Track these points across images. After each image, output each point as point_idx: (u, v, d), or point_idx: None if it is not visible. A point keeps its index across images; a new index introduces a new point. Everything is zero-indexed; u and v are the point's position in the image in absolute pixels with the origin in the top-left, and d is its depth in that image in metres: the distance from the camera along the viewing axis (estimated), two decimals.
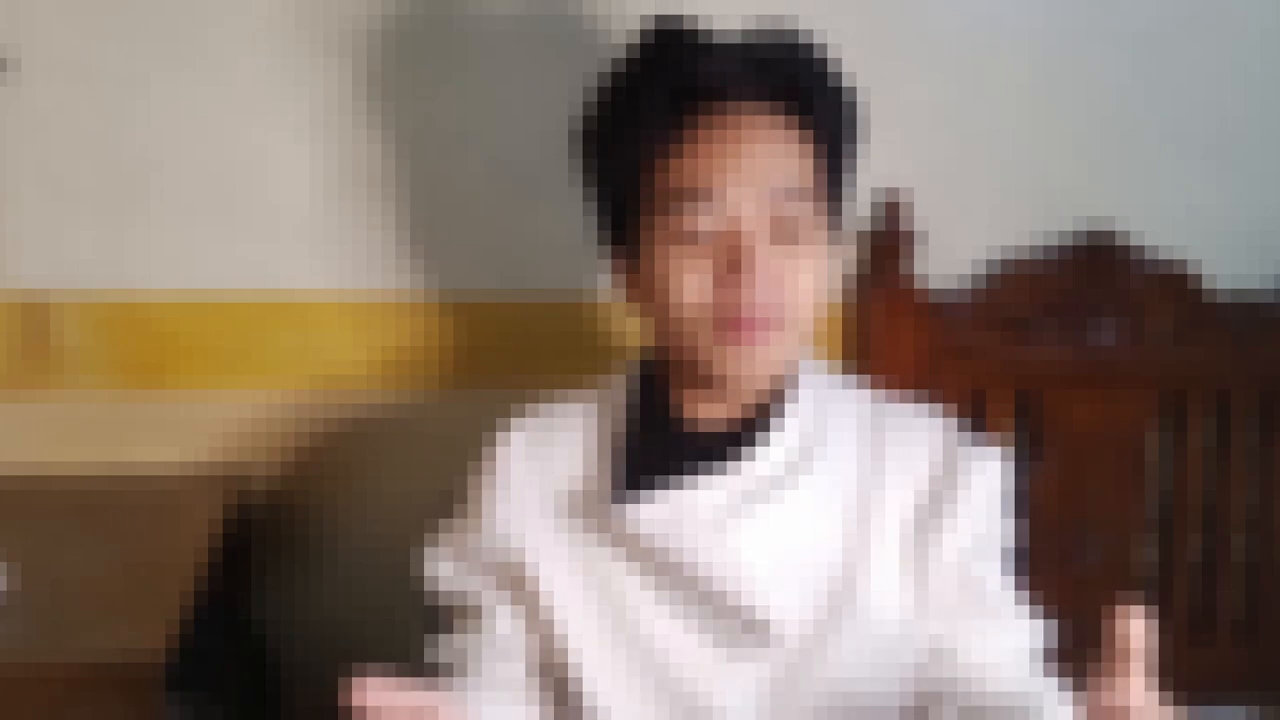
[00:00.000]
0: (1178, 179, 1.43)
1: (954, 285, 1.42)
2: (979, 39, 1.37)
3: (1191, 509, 1.46)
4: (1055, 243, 1.42)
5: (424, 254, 1.38)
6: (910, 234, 1.36)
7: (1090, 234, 1.42)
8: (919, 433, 1.00)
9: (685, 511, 0.94)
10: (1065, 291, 1.41)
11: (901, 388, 1.32)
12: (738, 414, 0.98)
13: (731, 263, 0.90)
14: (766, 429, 0.96)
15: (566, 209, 1.37)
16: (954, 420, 1.01)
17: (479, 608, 1.02)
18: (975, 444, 0.99)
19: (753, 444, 0.96)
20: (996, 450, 0.99)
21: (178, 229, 1.35)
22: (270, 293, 1.37)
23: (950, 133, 1.38)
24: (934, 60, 1.37)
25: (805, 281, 0.92)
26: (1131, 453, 1.44)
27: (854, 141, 0.98)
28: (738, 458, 0.95)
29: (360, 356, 1.40)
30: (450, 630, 1.04)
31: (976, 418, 1.40)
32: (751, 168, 0.91)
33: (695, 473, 0.95)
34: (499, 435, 1.04)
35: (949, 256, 1.40)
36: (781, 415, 0.97)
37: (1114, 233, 1.41)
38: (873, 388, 1.05)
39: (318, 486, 1.44)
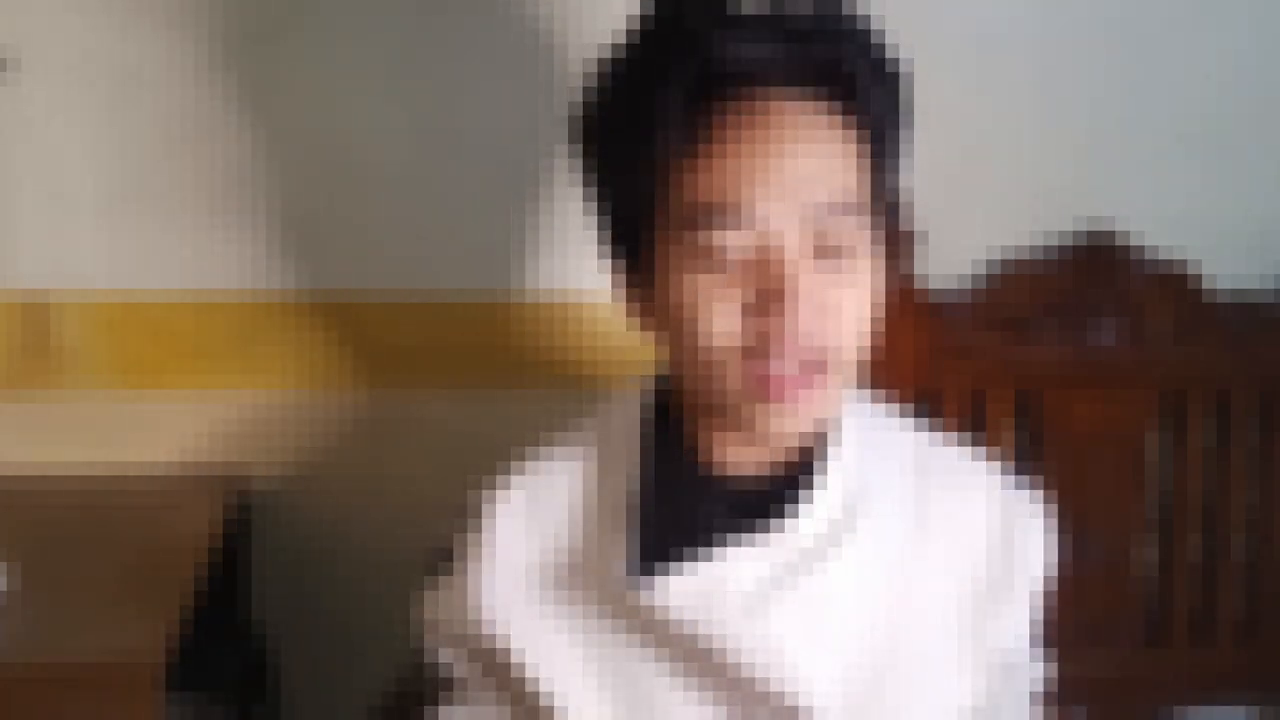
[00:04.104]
0: (1178, 179, 1.43)
1: (954, 285, 1.42)
2: (979, 39, 1.36)
3: (1191, 509, 1.46)
4: (1055, 243, 1.42)
5: (423, 254, 1.38)
6: (910, 234, 1.36)
7: (1090, 234, 1.42)
8: (974, 490, 0.90)
9: (717, 586, 0.82)
10: (1065, 291, 1.41)
11: (901, 388, 1.32)
12: (773, 459, 0.86)
13: (766, 291, 0.76)
14: (809, 478, 0.84)
15: (566, 208, 1.37)
16: (1003, 473, 0.93)
17: (470, 693, 0.92)
18: (1027, 498, 0.92)
19: (794, 498, 0.84)
20: (1047, 505, 0.92)
21: (178, 229, 1.35)
22: (270, 293, 1.37)
23: (950, 133, 1.38)
24: (933, 60, 1.36)
25: (853, 309, 0.79)
26: (1131, 453, 1.43)
27: (909, 132, 0.84)
28: (777, 515, 0.83)
29: (359, 356, 1.40)
30: (439, 699, 0.95)
31: (976, 418, 1.40)
32: (791, 178, 0.76)
33: (727, 538, 0.83)
34: (487, 504, 0.90)
35: (949, 256, 1.40)
36: (826, 463, 0.85)
37: (1114, 233, 1.41)
38: (921, 422, 0.95)
39: (317, 486, 1.44)
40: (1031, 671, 0.95)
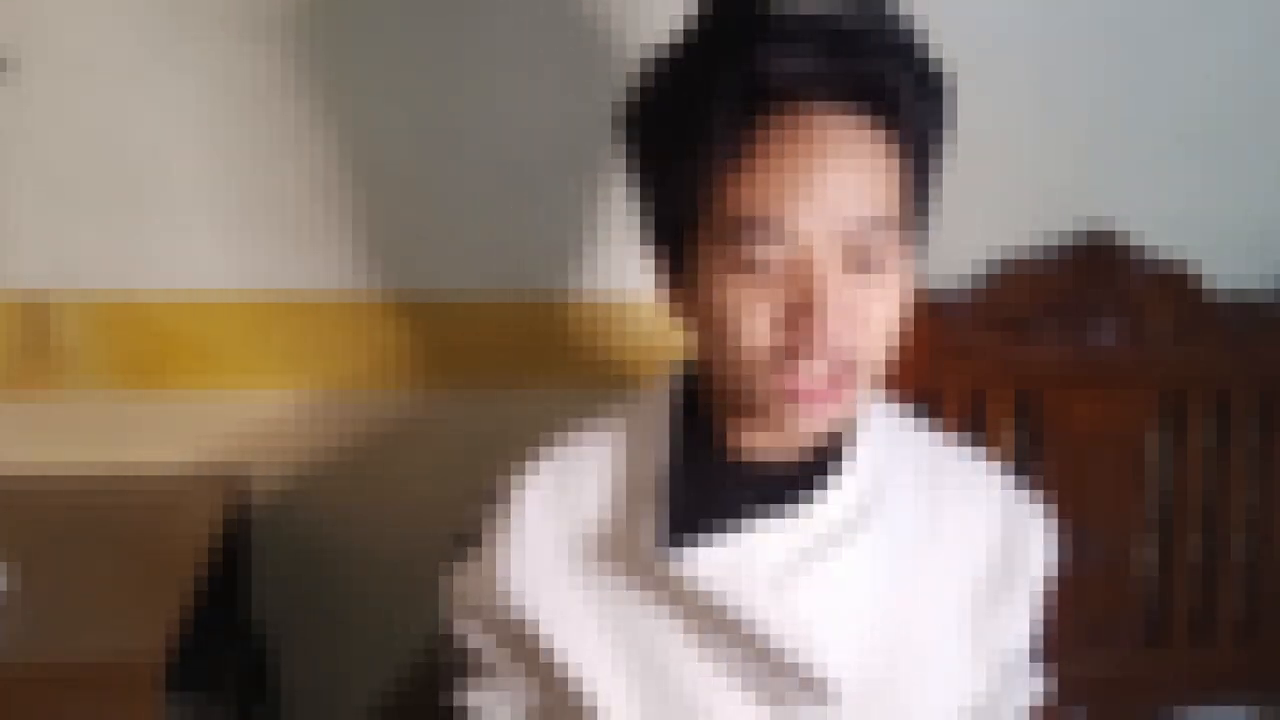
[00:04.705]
0: (1178, 179, 1.43)
1: (954, 285, 1.42)
2: (979, 39, 1.36)
3: (1191, 509, 1.46)
4: (1055, 243, 1.42)
5: (424, 253, 1.38)
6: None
7: (1090, 234, 1.42)
8: (979, 491, 0.93)
9: (745, 560, 0.85)
10: (1065, 291, 1.41)
11: (901, 388, 1.32)
12: (799, 449, 0.88)
13: (796, 303, 0.79)
14: (834, 467, 0.87)
15: (567, 208, 1.37)
16: (1010, 479, 0.96)
17: (494, 667, 0.94)
18: (1030, 501, 0.94)
19: (820, 484, 0.87)
20: (1049, 509, 0.95)
21: (178, 229, 1.35)
22: (270, 293, 1.37)
23: (950, 133, 1.38)
24: None
25: (882, 317, 0.81)
26: (1131, 453, 1.44)
27: (946, 142, 0.86)
28: (804, 500, 0.86)
29: (360, 356, 1.40)
30: (466, 674, 0.96)
31: (976, 418, 1.40)
32: (826, 194, 0.78)
33: (754, 515, 0.86)
34: (517, 478, 0.92)
35: (949, 256, 1.40)
36: (852, 455, 0.88)
37: (1114, 233, 1.41)
38: (931, 426, 0.97)
39: (318, 486, 1.44)
40: (1031, 686, 0.96)
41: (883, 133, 0.80)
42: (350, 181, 1.35)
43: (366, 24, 1.31)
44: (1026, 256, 1.42)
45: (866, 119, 0.79)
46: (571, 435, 0.94)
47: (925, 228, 0.86)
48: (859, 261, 0.79)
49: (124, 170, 1.33)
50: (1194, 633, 1.47)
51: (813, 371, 0.80)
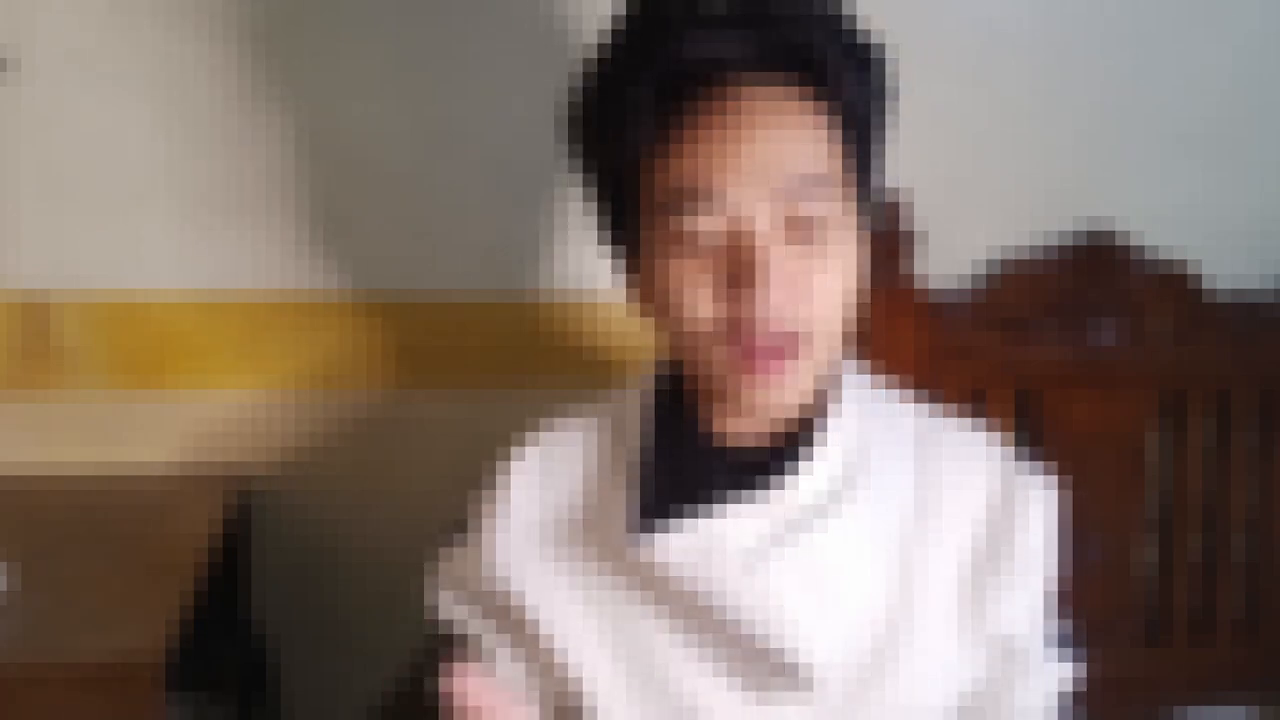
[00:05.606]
0: (1178, 179, 1.43)
1: (954, 285, 1.42)
2: (979, 39, 1.37)
3: (1191, 509, 1.46)
4: (1055, 243, 1.42)
5: (422, 255, 1.38)
6: (910, 234, 1.36)
7: (1090, 234, 1.42)
8: (975, 462, 0.91)
9: (715, 544, 0.84)
10: (1065, 291, 1.41)
11: (901, 388, 1.32)
12: (770, 430, 0.88)
13: (737, 273, 0.78)
14: (808, 448, 0.86)
15: (560, 208, 1.37)
16: (1010, 445, 0.94)
17: (481, 647, 0.94)
18: (1030, 471, 0.91)
19: (793, 466, 0.85)
20: (1053, 479, 0.91)
21: (177, 229, 1.35)
22: (270, 293, 1.37)
23: (950, 133, 1.38)
24: (934, 60, 1.37)
25: (829, 284, 0.80)
26: (1131, 453, 1.43)
27: (883, 113, 0.85)
28: (774, 483, 0.85)
29: (359, 357, 1.40)
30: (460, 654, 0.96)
31: (976, 418, 1.40)
32: (756, 159, 0.78)
33: (725, 499, 0.85)
34: (503, 464, 0.94)
35: (949, 256, 1.40)
36: (824, 432, 0.86)
37: (1114, 233, 1.41)
38: (917, 397, 0.95)
39: (317, 486, 1.44)
40: (1060, 671, 0.92)
41: (812, 100, 0.80)
42: (350, 181, 1.35)
43: (363, 27, 1.31)
44: (1026, 256, 1.42)
45: (795, 88, 0.80)
46: (557, 422, 0.95)
47: (870, 198, 0.86)
48: (800, 230, 0.79)
49: (124, 170, 1.33)
50: (1194, 633, 1.47)
51: (756, 340, 0.79)
